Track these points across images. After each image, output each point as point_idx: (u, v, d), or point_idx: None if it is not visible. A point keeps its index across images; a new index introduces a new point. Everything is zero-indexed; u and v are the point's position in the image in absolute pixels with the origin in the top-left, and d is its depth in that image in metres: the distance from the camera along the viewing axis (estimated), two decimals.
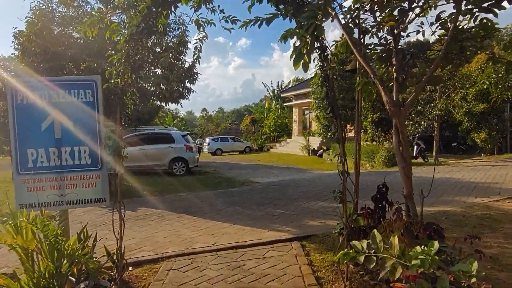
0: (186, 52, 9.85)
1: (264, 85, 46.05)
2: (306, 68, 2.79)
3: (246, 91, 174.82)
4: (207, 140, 33.97)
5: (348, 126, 24.85)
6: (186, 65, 10.59)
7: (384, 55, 4.06)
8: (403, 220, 3.57)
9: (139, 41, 3.73)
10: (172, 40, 9.75)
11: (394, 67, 3.75)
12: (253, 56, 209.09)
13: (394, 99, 3.68)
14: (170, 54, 9.70)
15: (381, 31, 3.89)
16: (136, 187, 11.00)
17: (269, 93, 45.77)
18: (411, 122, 16.37)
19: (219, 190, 10.40)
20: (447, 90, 15.98)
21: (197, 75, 10.83)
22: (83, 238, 3.94)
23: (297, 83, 38.00)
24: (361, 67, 4.00)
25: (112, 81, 3.90)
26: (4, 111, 15.11)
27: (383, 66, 4.19)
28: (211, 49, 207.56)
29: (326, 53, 3.73)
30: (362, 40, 4.03)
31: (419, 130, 16.33)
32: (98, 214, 7.83)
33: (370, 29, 3.93)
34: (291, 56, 2.87)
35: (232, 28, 4.55)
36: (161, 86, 9.28)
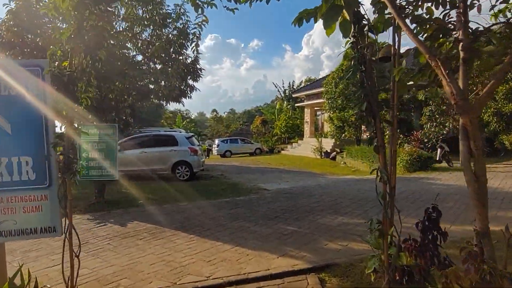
0: (188, 46, 8.77)
1: (275, 86, 44.89)
2: (346, 30, 1.74)
3: (257, 92, 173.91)
4: (216, 141, 32.96)
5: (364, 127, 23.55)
6: (189, 60, 9.48)
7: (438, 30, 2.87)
8: (477, 269, 2.38)
9: (95, 7, 2.63)
10: (173, 33, 8.65)
11: (461, 43, 2.56)
12: (265, 57, 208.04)
13: (462, 88, 2.50)
14: (172, 49, 8.62)
15: None
16: (133, 195, 9.98)
17: (280, 94, 44.61)
18: (434, 123, 15.02)
19: (223, 199, 9.28)
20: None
21: (201, 71, 9.73)
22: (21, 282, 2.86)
23: (309, 83, 36.71)
24: (395, 53, 2.87)
25: (56, 64, 2.81)
26: None
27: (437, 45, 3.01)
28: (223, 51, 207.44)
29: (361, 24, 2.57)
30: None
31: (444, 132, 14.94)
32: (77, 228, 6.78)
33: None
34: (320, 17, 1.77)
35: (236, 9, 3.72)
36: (160, 82, 8.19)
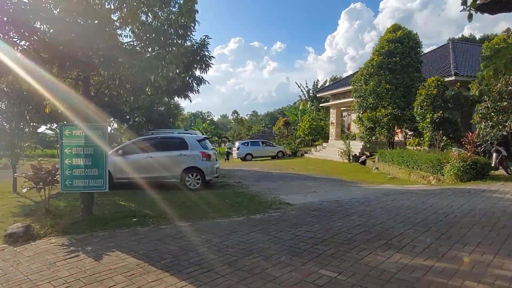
0: (193, 28, 6.95)
1: (298, 86, 42.62)
2: None
3: (280, 94, 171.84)
4: (237, 144, 31.16)
5: (396, 128, 21.17)
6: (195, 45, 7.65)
7: None
8: None
9: None
10: (172, 10, 6.84)
11: None
12: (288, 60, 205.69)
13: None
14: (171, 30, 6.81)
15: None
16: (130, 209, 8.23)
17: (304, 94, 42.39)
18: (490, 123, 12.55)
19: (236, 217, 7.35)
20: None
21: (210, 60, 7.88)
22: None
23: (334, 82, 34.35)
24: None
25: None
26: None
27: None
28: (246, 54, 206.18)
29: None
30: None
31: (503, 133, 12.42)
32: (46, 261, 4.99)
33: None
34: None
35: None
36: (155, 71, 6.37)
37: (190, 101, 8.46)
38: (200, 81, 7.97)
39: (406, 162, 14.55)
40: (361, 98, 20.97)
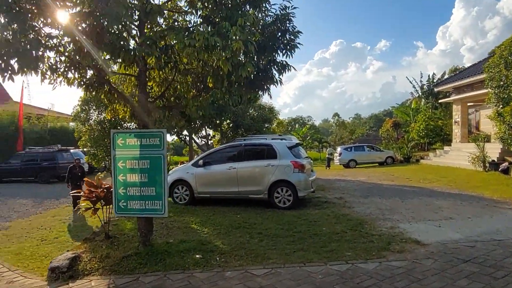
0: None
1: (410, 81, 37.07)
2: None
3: (385, 95, 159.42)
4: (338, 149, 27.99)
5: None
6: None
7: None
8: None
9: None
10: None
11: None
12: (394, 58, 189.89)
13: None
14: None
15: None
16: (197, 237, 6.41)
17: (416, 90, 36.70)
18: None
19: (335, 264, 4.82)
20: None
21: (296, 37, 5.60)
22: None
23: (457, 73, 28.43)
24: None
25: None
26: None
27: None
28: (348, 56, 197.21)
29: None
30: None
31: None
32: None
33: None
34: None
35: None
36: (215, 50, 4.38)
37: (270, 96, 6.24)
38: (283, 67, 5.70)
39: None
40: (500, 88, 15.99)
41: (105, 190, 6.29)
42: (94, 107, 13.73)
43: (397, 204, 9.22)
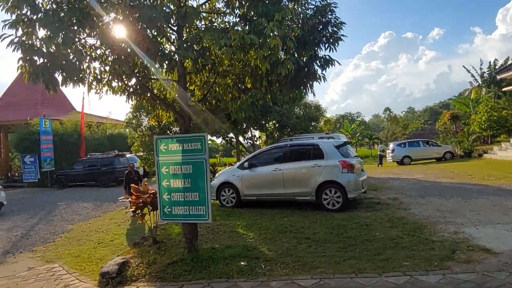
0: None
1: (468, 70, 34.08)
2: None
3: (440, 86, 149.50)
4: (391, 145, 26.47)
5: None
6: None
7: None
8: None
9: None
10: None
11: None
12: (448, 46, 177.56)
13: None
14: None
15: None
16: (244, 241, 6.22)
17: (476, 80, 33.68)
18: None
19: (391, 276, 4.32)
20: None
21: (339, 28, 5.17)
22: None
23: None
24: None
25: None
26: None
27: None
28: (398, 47, 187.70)
29: None
30: None
31: None
32: None
33: None
34: None
35: None
36: (252, 48, 4.14)
37: (314, 93, 5.84)
38: (326, 62, 5.29)
39: None
40: None
41: (151, 195, 6.33)
42: (144, 113, 14.21)
43: (460, 205, 8.32)
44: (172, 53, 4.44)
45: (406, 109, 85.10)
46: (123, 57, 4.55)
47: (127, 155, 19.80)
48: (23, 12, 4.35)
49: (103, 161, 18.81)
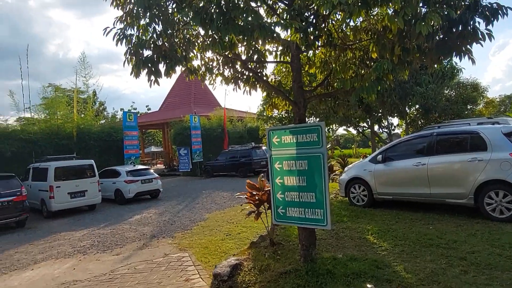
0: None
1: None
2: None
3: None
4: None
5: None
6: None
7: None
8: None
9: None
10: None
11: None
12: None
13: None
14: None
15: None
16: (374, 254, 4.95)
17: None
18: None
19: None
20: None
21: None
22: None
23: None
24: None
25: None
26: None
27: None
28: None
29: None
30: None
31: None
32: None
33: None
34: None
35: None
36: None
37: (473, 61, 3.93)
38: (493, 12, 3.48)
39: None
40: None
41: (267, 192, 5.67)
42: None
43: None
44: (272, 24, 3.53)
45: None
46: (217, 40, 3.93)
47: (263, 147, 20.20)
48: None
49: (242, 153, 19.65)
